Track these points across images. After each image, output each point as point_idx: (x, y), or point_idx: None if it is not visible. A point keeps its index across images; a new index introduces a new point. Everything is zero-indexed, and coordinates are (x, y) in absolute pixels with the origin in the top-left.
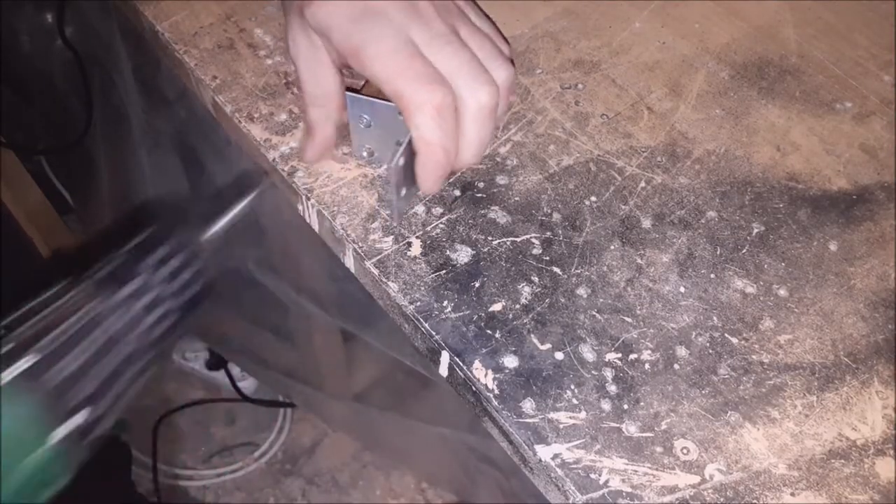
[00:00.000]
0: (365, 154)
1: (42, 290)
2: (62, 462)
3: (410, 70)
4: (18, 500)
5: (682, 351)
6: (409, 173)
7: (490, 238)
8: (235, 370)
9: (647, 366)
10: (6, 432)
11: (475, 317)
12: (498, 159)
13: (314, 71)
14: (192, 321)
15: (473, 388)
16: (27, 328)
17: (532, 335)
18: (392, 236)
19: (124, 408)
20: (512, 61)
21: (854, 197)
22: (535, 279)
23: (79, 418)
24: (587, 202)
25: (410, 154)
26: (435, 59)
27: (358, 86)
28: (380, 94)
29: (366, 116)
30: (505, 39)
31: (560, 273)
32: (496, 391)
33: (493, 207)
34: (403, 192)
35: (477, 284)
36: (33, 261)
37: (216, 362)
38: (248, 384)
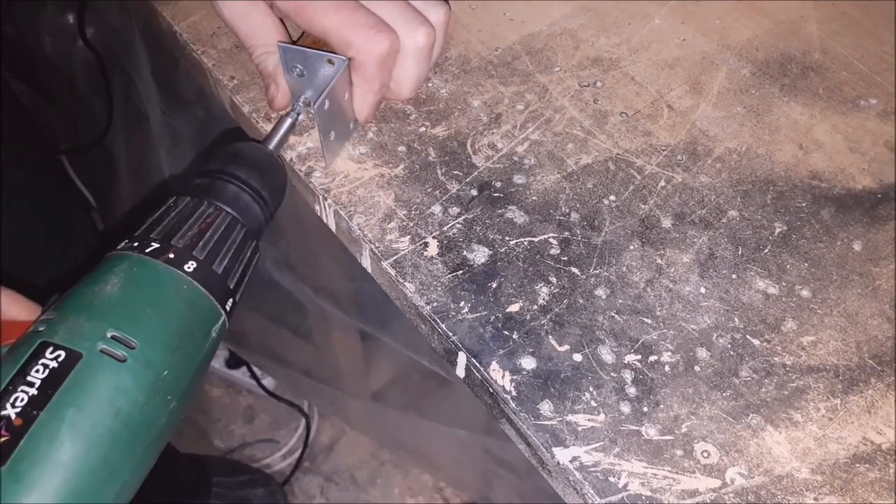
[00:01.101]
0: (301, 104)
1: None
2: (226, 329)
3: (358, 19)
4: (209, 357)
5: (702, 353)
6: (337, 118)
7: (507, 238)
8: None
9: (667, 368)
10: (198, 312)
11: (492, 318)
12: (515, 158)
13: (254, 21)
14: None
15: (490, 390)
16: (180, 238)
17: (550, 336)
18: (409, 236)
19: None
20: (447, 0)
21: (879, 196)
22: (553, 280)
23: (231, 301)
24: (606, 201)
25: (339, 98)
26: (374, 8)
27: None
28: (312, 47)
29: (298, 66)
30: None
31: (578, 273)
32: (513, 393)
33: (510, 207)
34: (332, 135)
35: (494, 285)
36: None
37: (236, 360)
38: (265, 383)
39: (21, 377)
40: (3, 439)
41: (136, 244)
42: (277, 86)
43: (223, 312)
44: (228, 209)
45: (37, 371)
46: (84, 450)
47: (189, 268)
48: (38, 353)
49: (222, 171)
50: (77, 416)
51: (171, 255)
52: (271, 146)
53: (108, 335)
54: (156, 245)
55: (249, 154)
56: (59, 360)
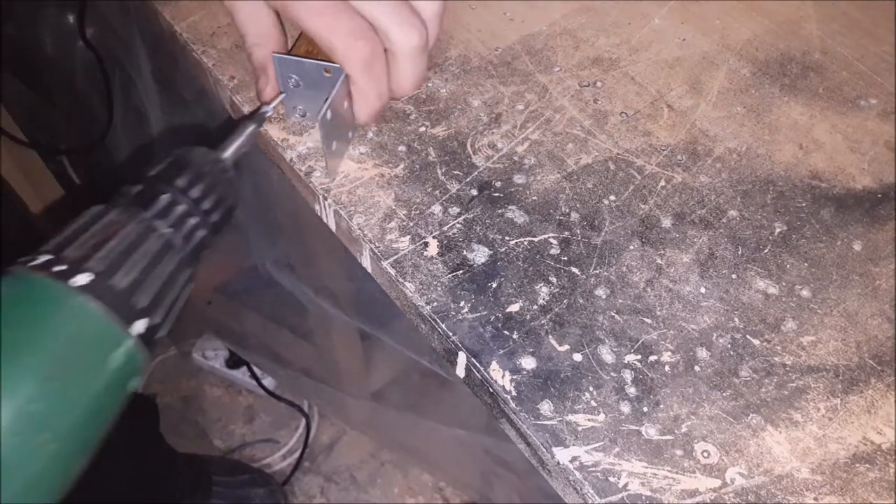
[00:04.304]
0: (298, 115)
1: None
2: (138, 358)
3: (339, 24)
4: (111, 392)
5: (702, 352)
6: (338, 127)
7: (507, 238)
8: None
9: (667, 367)
10: (86, 333)
11: (492, 317)
12: (515, 158)
13: (251, 13)
14: (217, 239)
15: (490, 390)
16: (76, 248)
17: (550, 336)
18: (409, 236)
19: (174, 319)
20: None
21: (879, 196)
22: (553, 280)
23: (143, 322)
24: (606, 201)
25: (339, 107)
26: (362, 7)
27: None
28: (309, 55)
29: (294, 76)
30: None
31: (578, 273)
32: (513, 393)
33: (510, 207)
34: (334, 145)
35: (494, 285)
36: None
37: (236, 361)
38: (265, 383)
39: None
40: None
41: (28, 259)
42: (268, 78)
43: (128, 335)
44: (145, 216)
45: None
46: None
47: (79, 281)
48: None
49: (153, 178)
50: None
51: (60, 268)
52: (225, 154)
53: None
54: (45, 258)
55: (190, 160)
56: None
